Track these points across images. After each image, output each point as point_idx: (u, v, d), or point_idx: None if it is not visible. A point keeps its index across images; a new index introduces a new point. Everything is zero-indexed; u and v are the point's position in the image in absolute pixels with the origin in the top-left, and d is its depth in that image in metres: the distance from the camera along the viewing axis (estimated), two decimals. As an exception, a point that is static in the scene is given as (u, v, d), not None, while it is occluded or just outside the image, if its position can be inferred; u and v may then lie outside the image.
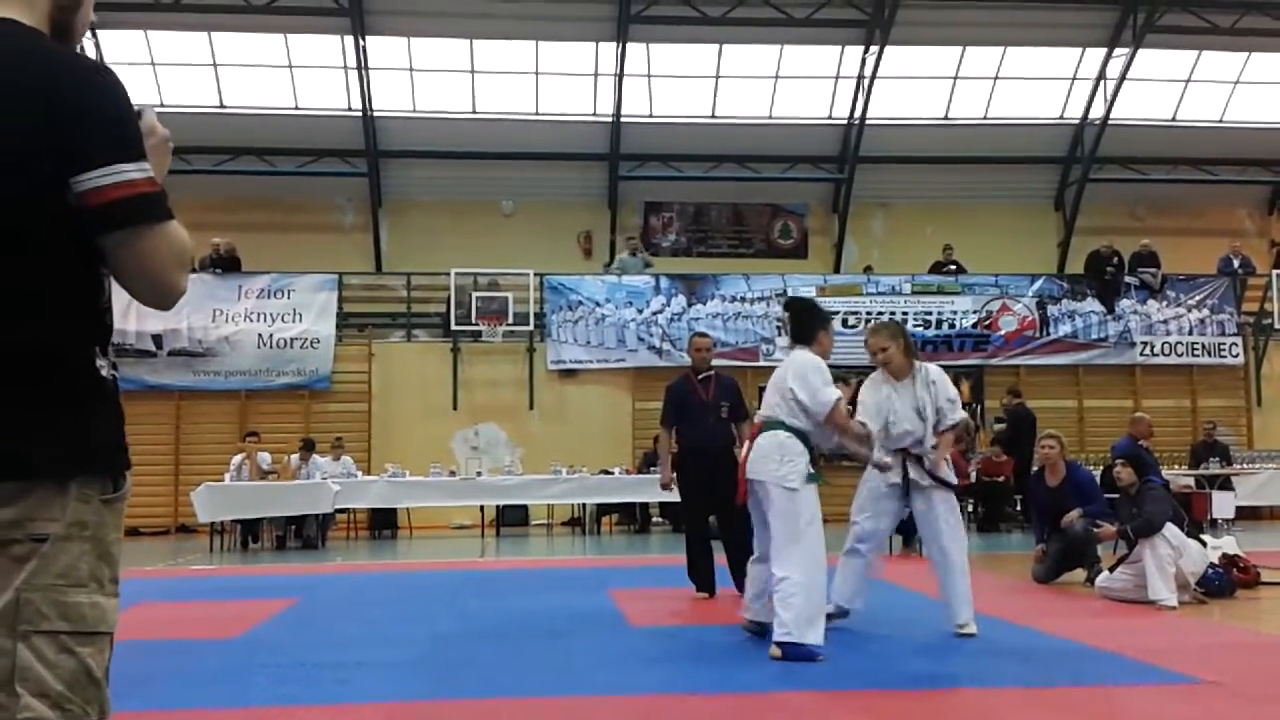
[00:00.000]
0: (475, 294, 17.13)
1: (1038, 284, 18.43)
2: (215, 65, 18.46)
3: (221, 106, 18.75)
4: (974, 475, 14.70)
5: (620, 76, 18.67)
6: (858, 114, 19.42)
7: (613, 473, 15.55)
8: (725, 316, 17.62)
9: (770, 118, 19.79)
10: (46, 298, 1.71)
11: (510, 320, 17.02)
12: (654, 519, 15.99)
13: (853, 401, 6.30)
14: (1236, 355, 18.44)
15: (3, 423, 1.68)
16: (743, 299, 17.80)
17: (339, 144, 19.11)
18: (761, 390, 6.47)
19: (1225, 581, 7.79)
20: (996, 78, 19.60)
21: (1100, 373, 18.25)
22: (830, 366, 5.93)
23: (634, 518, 15.96)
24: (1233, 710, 4.51)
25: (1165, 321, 18.34)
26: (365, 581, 10.12)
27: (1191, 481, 14.85)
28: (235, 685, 5.12)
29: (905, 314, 17.79)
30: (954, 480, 6.32)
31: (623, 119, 19.15)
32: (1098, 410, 17.90)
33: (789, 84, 19.45)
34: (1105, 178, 20.28)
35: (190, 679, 5.31)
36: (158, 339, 16.43)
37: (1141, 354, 18.21)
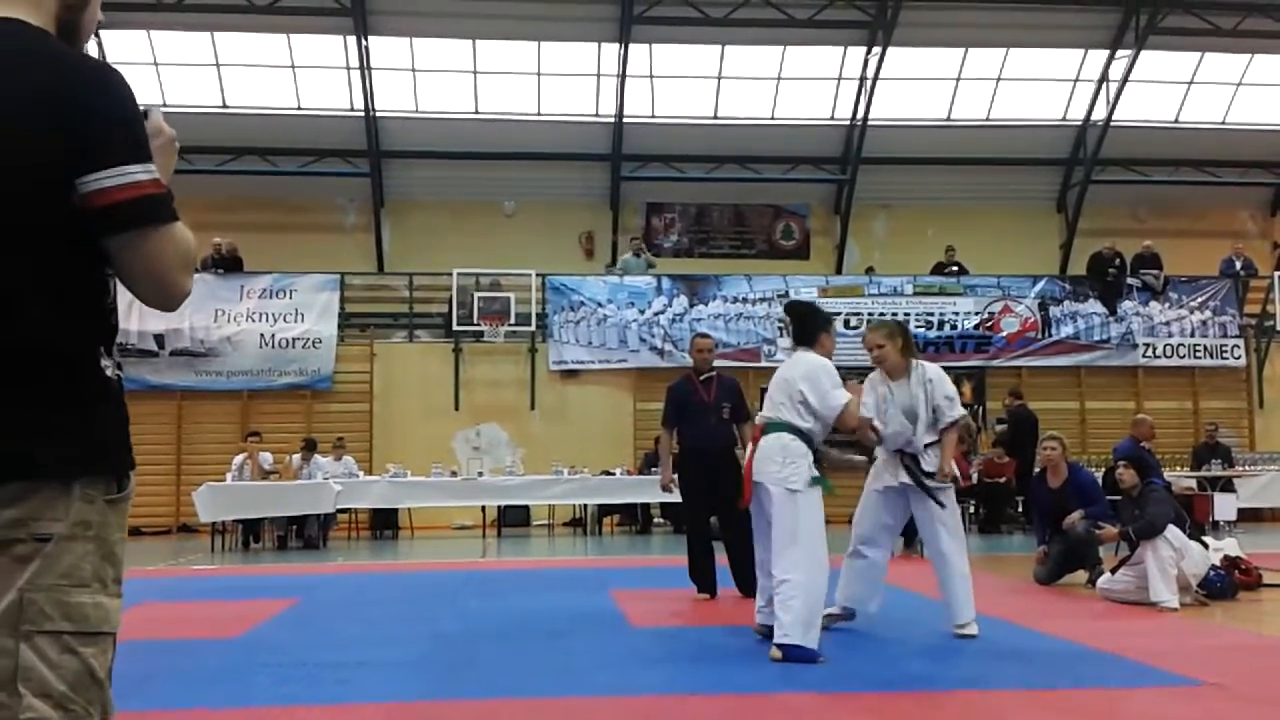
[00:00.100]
0: (477, 294, 17.14)
1: (1040, 285, 18.42)
2: (218, 65, 18.49)
3: (224, 106, 18.77)
4: (976, 477, 14.69)
5: (622, 77, 18.68)
6: (860, 115, 19.42)
7: (614, 473, 15.56)
8: (727, 317, 17.62)
9: (772, 119, 19.80)
10: (52, 298, 1.71)
11: (512, 321, 17.02)
12: (655, 520, 15.99)
13: None
14: (1238, 357, 18.43)
15: (7, 422, 1.68)
16: (744, 300, 17.80)
17: (341, 144, 19.12)
18: (763, 391, 6.46)
19: (1227, 583, 7.79)
20: (999, 79, 19.61)
21: (1102, 374, 18.24)
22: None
23: (635, 518, 15.96)
24: (1234, 712, 4.51)
25: (1167, 323, 18.33)
26: (366, 581, 10.12)
27: (1193, 483, 14.85)
28: (236, 685, 5.12)
29: (907, 315, 17.77)
30: (943, 488, 6.27)
31: (625, 119, 19.16)
32: (1099, 412, 17.89)
33: (791, 85, 19.45)
34: (1107, 179, 20.28)
35: (191, 679, 5.31)
36: (160, 339, 16.44)
37: (1143, 355, 18.21)
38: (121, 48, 17.64)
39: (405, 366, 17.49)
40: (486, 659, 5.76)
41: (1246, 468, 15.87)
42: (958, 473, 6.40)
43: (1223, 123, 20.48)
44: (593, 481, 15.29)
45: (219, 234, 17.31)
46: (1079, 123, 20.16)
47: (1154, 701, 4.70)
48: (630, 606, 7.54)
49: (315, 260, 18.05)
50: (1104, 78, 19.62)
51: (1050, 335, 18.13)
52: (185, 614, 7.83)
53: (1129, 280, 18.45)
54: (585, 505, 15.88)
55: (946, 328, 17.95)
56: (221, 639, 6.47)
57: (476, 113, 19.27)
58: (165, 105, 17.23)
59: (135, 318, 15.81)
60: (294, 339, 16.97)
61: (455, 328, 17.14)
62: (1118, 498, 8.36)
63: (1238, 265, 19.10)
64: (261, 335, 16.89)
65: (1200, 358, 18.32)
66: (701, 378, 8.36)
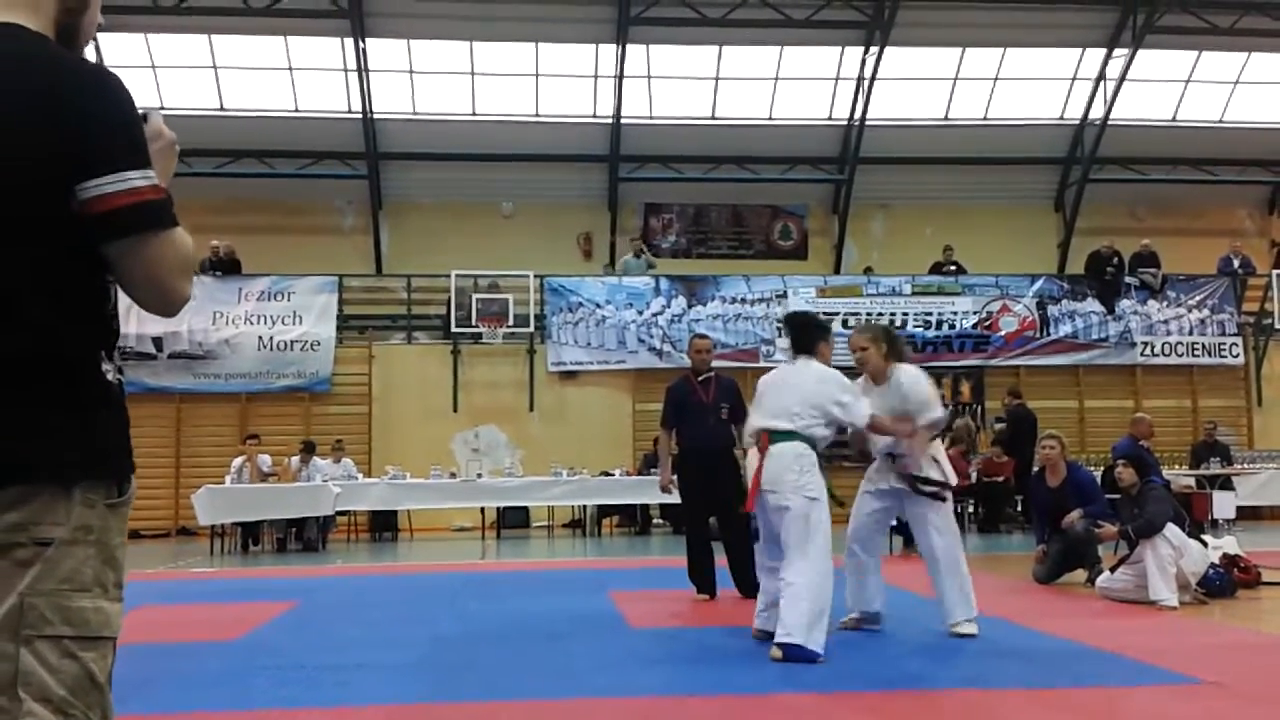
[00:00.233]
0: (475, 296, 17.14)
1: (1038, 284, 18.43)
2: (215, 68, 18.48)
3: (221, 109, 18.77)
4: (975, 476, 14.70)
5: (620, 78, 18.68)
6: (858, 115, 19.43)
7: (613, 474, 15.56)
8: (725, 318, 17.63)
9: (770, 119, 19.80)
10: (52, 302, 1.71)
11: (510, 322, 17.03)
12: (654, 520, 15.99)
13: None
14: (1237, 355, 18.45)
15: (7, 426, 1.68)
16: (743, 300, 17.80)
17: (339, 146, 19.12)
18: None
19: (1226, 582, 7.80)
20: (996, 78, 19.62)
21: (1101, 373, 18.26)
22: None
23: (634, 519, 15.96)
24: (1233, 710, 4.51)
25: (1165, 322, 18.35)
26: (366, 584, 10.12)
27: (1192, 482, 14.86)
28: (236, 688, 5.12)
29: (905, 315, 17.80)
30: (934, 490, 6.28)
31: (622, 120, 19.16)
32: (1098, 410, 17.90)
33: (789, 85, 19.46)
34: (1105, 178, 20.29)
35: (191, 682, 5.31)
36: (158, 341, 16.44)
37: (1142, 354, 18.22)
38: (118, 50, 17.63)
39: (404, 368, 17.49)
40: (486, 661, 5.76)
41: (1245, 466, 15.89)
42: (948, 473, 6.38)
43: (1220, 121, 20.50)
44: (592, 482, 15.29)
45: (217, 236, 17.32)
46: (1076, 122, 20.17)
47: (1153, 700, 4.71)
48: (629, 608, 7.54)
49: (313, 262, 18.05)
50: (1101, 76, 19.63)
51: (1048, 334, 18.14)
52: (185, 617, 7.83)
53: (1127, 279, 18.47)
54: (584, 506, 15.88)
55: (945, 327, 17.95)
56: (221, 642, 6.47)
57: (474, 114, 19.27)
58: (163, 108, 17.17)
59: (133, 321, 15.77)
60: (292, 341, 16.97)
61: (454, 329, 17.14)
62: (1117, 496, 8.37)
63: (1236, 264, 19.12)
64: (260, 338, 16.88)
65: (1199, 356, 18.34)
66: (700, 378, 8.36)
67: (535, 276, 17.47)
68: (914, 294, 18.12)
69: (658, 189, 20.23)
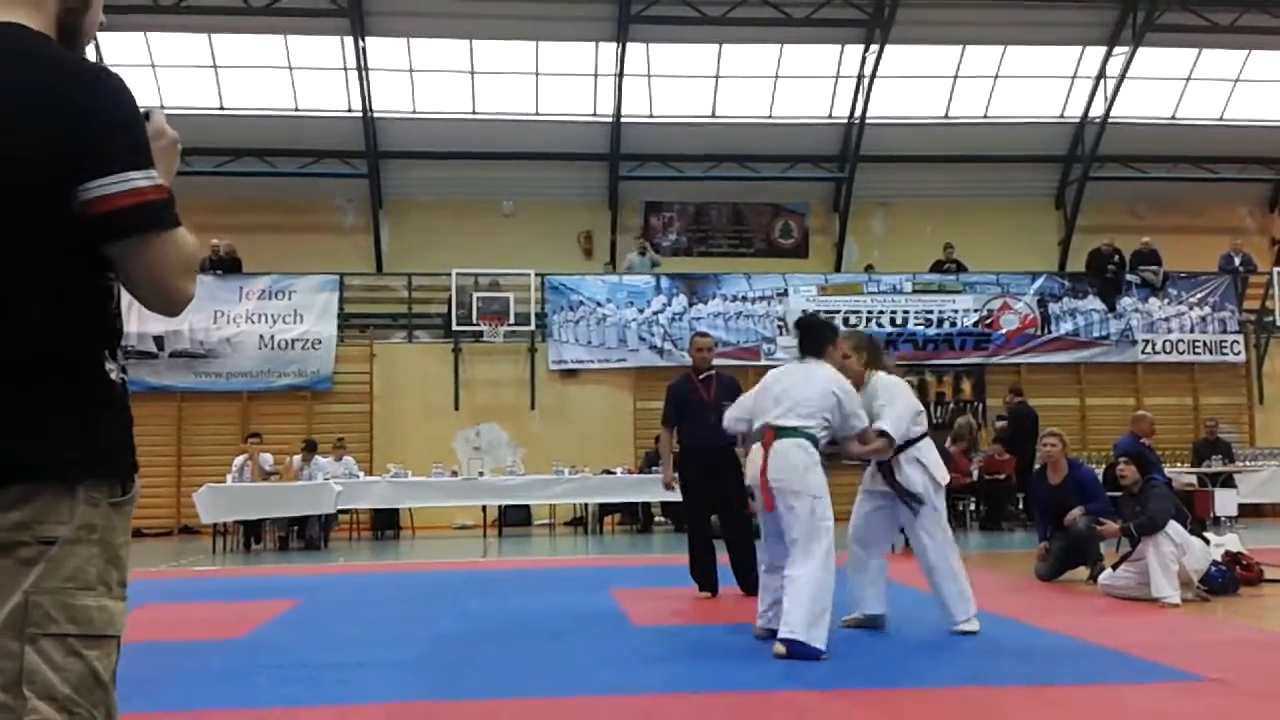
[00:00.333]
0: (476, 294, 17.14)
1: (1039, 282, 18.43)
2: (215, 67, 18.48)
3: (221, 108, 18.76)
4: (976, 474, 14.71)
5: (620, 76, 18.67)
6: (858, 113, 19.42)
7: (614, 472, 15.57)
8: (726, 316, 17.63)
9: (770, 117, 19.79)
10: (54, 301, 1.71)
11: (511, 320, 17.03)
12: (656, 518, 15.99)
13: None
14: (1238, 353, 18.45)
15: (11, 426, 1.68)
16: (744, 298, 17.80)
17: (339, 145, 19.12)
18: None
19: (1228, 579, 7.79)
20: (997, 76, 19.61)
21: (1102, 371, 18.26)
22: None
23: (636, 517, 15.97)
24: (1236, 707, 4.51)
25: (1167, 319, 18.35)
26: (367, 582, 10.12)
27: (1194, 479, 14.86)
28: (238, 686, 5.12)
29: (906, 313, 17.80)
30: (917, 495, 6.28)
31: (623, 119, 19.16)
32: (1099, 408, 17.91)
33: (789, 83, 19.45)
34: (1106, 176, 20.28)
35: (193, 680, 5.31)
36: (159, 340, 16.44)
37: (1143, 352, 18.22)
38: (119, 50, 17.63)
39: (405, 367, 17.50)
40: (488, 659, 5.77)
41: (1247, 463, 15.89)
42: (935, 473, 6.36)
43: (1220, 119, 20.49)
44: (593, 481, 15.29)
45: (217, 235, 17.32)
46: (1077, 119, 20.16)
47: (1156, 697, 4.70)
48: (631, 605, 7.55)
49: (314, 261, 18.05)
50: (1102, 74, 19.62)
51: (1049, 332, 18.14)
52: (187, 615, 7.83)
53: (1128, 277, 18.46)
54: (586, 504, 15.89)
55: (946, 325, 17.94)
56: (223, 640, 6.47)
57: (474, 113, 19.27)
58: (163, 107, 17.17)
59: (135, 319, 15.76)
60: (293, 340, 16.98)
61: (454, 328, 17.14)
62: (1118, 494, 8.37)
63: (1236, 261, 19.12)
64: (261, 336, 16.89)
65: (1200, 354, 18.34)
66: (701, 376, 8.37)
67: (536, 275, 17.47)
68: (915, 292, 18.11)
69: (658, 187, 20.22)
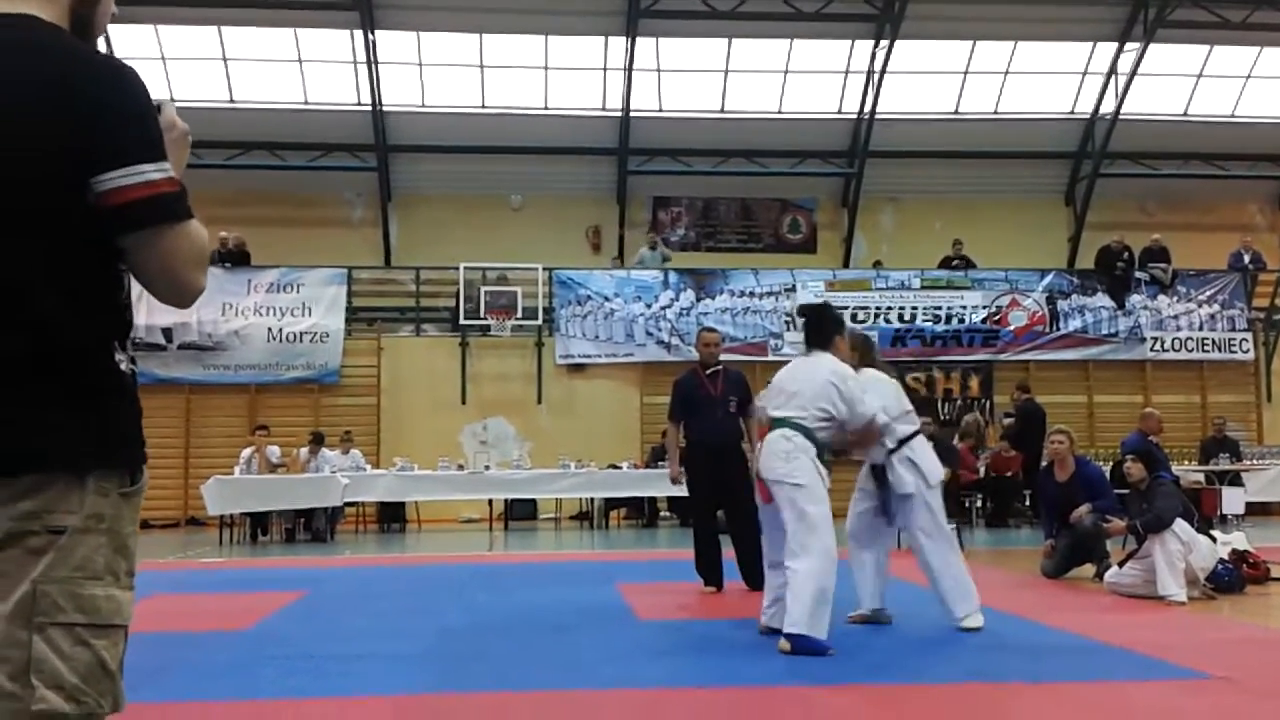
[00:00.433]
0: (484, 288, 17.14)
1: (1048, 279, 18.39)
2: (225, 60, 18.50)
3: (231, 101, 18.79)
4: (983, 470, 14.70)
5: (629, 71, 18.65)
6: (867, 108, 19.38)
7: (621, 467, 15.59)
8: (734, 311, 17.62)
9: (780, 112, 19.76)
10: (65, 291, 1.72)
11: (519, 315, 17.04)
12: (662, 513, 16.00)
13: None
14: (1247, 351, 18.40)
15: (22, 416, 1.68)
16: (751, 294, 17.79)
17: (348, 138, 19.13)
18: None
19: (1235, 577, 7.79)
20: (1007, 72, 19.54)
21: (1110, 368, 18.22)
22: None
23: (642, 512, 15.98)
24: (1242, 705, 4.51)
25: (1175, 317, 18.30)
26: (373, 575, 10.15)
27: (1201, 477, 14.81)
28: (245, 677, 5.15)
29: (915, 309, 17.78)
30: (904, 493, 6.28)
31: (632, 113, 19.14)
32: (1107, 406, 17.87)
33: (798, 78, 19.41)
34: (1116, 173, 20.21)
35: (200, 671, 5.34)
36: (168, 332, 16.50)
37: (1151, 349, 18.18)
38: (129, 42, 17.64)
39: (412, 360, 17.53)
40: (493, 652, 5.78)
41: (1254, 461, 15.84)
42: (927, 471, 6.36)
43: (1232, 116, 20.40)
44: (599, 475, 15.31)
45: (226, 228, 17.33)
46: (1087, 116, 20.10)
47: (1162, 695, 4.70)
48: (637, 600, 7.56)
49: (322, 254, 18.08)
50: (1112, 70, 19.55)
51: (1058, 329, 18.10)
52: (194, 606, 7.86)
53: (1137, 274, 18.41)
54: (592, 499, 15.89)
55: (954, 321, 17.91)
56: (230, 631, 6.50)
57: (483, 107, 19.26)
58: (173, 100, 17.19)
59: (143, 312, 15.60)
60: (301, 333, 17.02)
61: (462, 321, 17.15)
62: (1125, 491, 8.35)
63: (1246, 259, 19.05)
64: (269, 329, 16.93)
65: (1208, 351, 18.29)
66: (708, 372, 8.37)
67: (544, 269, 17.48)
68: (923, 288, 18.08)
69: (667, 182, 20.21)
